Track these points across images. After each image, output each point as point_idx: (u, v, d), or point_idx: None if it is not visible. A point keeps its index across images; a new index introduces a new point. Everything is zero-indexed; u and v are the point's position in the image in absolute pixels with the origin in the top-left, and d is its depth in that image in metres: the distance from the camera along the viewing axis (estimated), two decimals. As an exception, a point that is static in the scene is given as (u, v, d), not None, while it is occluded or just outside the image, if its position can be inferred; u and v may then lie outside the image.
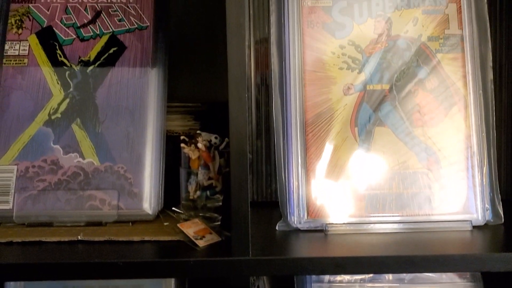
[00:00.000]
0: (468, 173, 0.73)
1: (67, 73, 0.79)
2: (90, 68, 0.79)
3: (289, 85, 0.74)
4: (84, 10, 0.82)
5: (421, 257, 0.62)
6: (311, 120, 0.74)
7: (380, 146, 0.74)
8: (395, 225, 0.71)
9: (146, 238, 0.68)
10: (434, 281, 0.76)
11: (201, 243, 0.65)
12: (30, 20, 0.81)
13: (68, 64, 0.79)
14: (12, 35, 0.80)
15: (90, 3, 0.82)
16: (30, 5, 0.82)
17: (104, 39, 0.80)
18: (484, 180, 0.73)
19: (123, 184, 0.74)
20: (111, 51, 0.80)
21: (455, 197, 0.73)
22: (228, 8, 0.60)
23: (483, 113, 0.74)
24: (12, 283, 0.75)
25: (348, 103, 0.74)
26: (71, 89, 0.78)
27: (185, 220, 0.72)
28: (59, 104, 0.77)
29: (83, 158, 0.75)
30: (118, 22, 0.81)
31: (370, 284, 0.75)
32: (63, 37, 0.80)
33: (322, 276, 0.76)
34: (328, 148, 0.73)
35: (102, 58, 0.79)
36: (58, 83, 0.78)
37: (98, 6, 0.82)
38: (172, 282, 0.73)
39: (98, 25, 0.81)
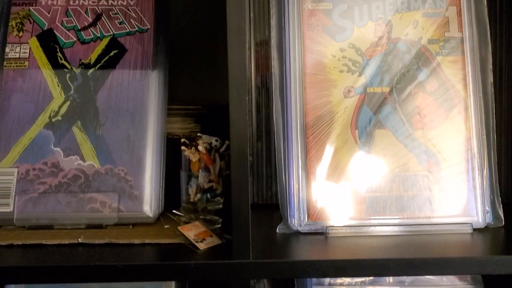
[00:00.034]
0: (469, 176, 0.73)
1: (67, 75, 0.79)
2: (91, 70, 0.79)
3: (289, 87, 0.74)
4: (85, 13, 0.82)
5: (421, 259, 0.62)
6: (312, 122, 0.74)
7: (381, 148, 0.74)
8: (396, 228, 0.71)
9: (147, 241, 0.68)
10: (435, 284, 0.75)
11: (201, 246, 0.65)
12: (30, 22, 0.81)
13: (68, 66, 0.79)
14: (13, 37, 0.80)
15: (91, 5, 0.82)
16: (30, 8, 0.82)
17: (105, 41, 0.80)
18: (484, 183, 0.73)
19: (124, 187, 0.74)
20: (111, 53, 0.80)
21: (455, 199, 0.73)
22: (228, 11, 0.60)
23: (483, 116, 0.75)
24: (12, 286, 0.74)
25: (348, 105, 0.74)
26: (72, 92, 0.78)
27: (186, 222, 0.72)
28: (60, 107, 0.77)
29: (84, 161, 0.75)
30: (118, 25, 0.81)
31: (370, 287, 0.75)
32: (63, 40, 0.80)
33: (322, 279, 0.76)
34: (329, 150, 0.73)
35: (102, 61, 0.79)
36: (58, 85, 0.78)
37: (98, 9, 0.82)
38: (172, 285, 0.73)
39: (99, 27, 0.81)
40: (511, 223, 0.74)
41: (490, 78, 0.75)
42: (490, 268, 0.62)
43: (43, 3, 0.82)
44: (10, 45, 0.80)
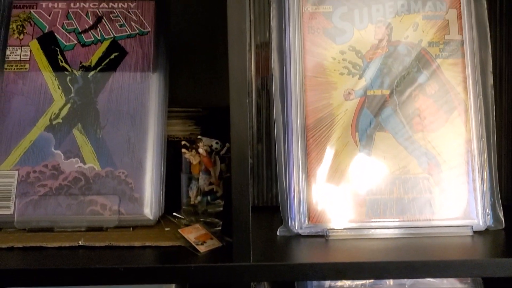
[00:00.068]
0: (469, 178, 0.73)
1: (68, 78, 0.79)
2: (91, 73, 0.79)
3: (289, 90, 0.74)
4: (85, 16, 0.82)
5: (422, 262, 0.62)
6: (312, 125, 0.74)
7: (381, 151, 0.74)
8: (396, 230, 0.71)
9: (147, 244, 0.68)
10: (435, 287, 0.75)
11: (202, 249, 0.65)
12: (31, 25, 0.81)
13: (69, 69, 0.79)
14: (14, 40, 0.81)
15: (92, 8, 0.82)
16: (31, 10, 0.82)
17: (105, 44, 0.81)
18: (484, 185, 0.73)
19: (124, 189, 0.74)
20: (112, 56, 0.80)
21: (455, 202, 0.73)
22: (229, 13, 0.60)
23: (483, 118, 0.75)
24: (13, 288, 0.75)
25: (348, 108, 0.74)
26: (72, 94, 0.78)
27: (186, 225, 0.72)
28: (60, 109, 0.77)
29: (84, 163, 0.75)
30: (119, 28, 0.81)
31: (371, 289, 0.75)
32: (64, 43, 0.80)
33: (323, 282, 0.76)
34: (329, 153, 0.73)
35: (103, 63, 0.80)
36: (59, 88, 0.78)
37: (99, 11, 0.82)
38: (173, 287, 0.73)
39: (99, 30, 0.81)
40: (511, 225, 0.74)
41: (490, 81, 0.75)
42: (490, 270, 0.62)
43: (43, 6, 0.82)
44: (11, 47, 0.80)
